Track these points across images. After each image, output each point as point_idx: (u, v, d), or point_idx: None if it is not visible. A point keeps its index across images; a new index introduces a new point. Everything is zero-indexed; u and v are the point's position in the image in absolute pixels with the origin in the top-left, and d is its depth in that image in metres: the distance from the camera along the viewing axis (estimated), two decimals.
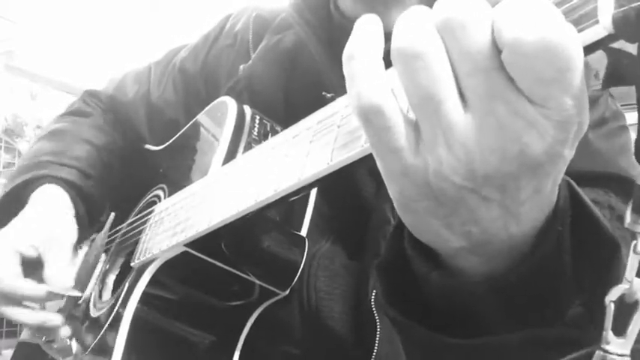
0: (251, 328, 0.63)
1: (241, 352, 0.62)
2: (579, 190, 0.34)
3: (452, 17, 0.25)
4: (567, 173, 0.30)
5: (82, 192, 0.78)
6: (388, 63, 0.28)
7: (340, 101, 0.39)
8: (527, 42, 0.23)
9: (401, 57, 0.27)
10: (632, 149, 0.56)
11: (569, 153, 0.27)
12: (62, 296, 0.67)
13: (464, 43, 0.25)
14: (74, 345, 0.69)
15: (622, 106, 0.59)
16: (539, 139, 0.25)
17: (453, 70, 0.26)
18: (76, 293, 0.67)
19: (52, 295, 0.66)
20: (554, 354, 0.32)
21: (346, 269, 0.63)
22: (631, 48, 0.25)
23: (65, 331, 0.68)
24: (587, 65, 0.49)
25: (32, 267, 0.68)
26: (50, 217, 0.72)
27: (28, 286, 0.65)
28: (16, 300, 0.66)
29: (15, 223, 0.71)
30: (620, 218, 0.52)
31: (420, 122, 0.28)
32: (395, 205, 0.32)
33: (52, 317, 0.67)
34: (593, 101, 0.56)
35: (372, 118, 0.28)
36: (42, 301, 0.67)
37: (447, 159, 0.27)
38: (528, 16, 0.23)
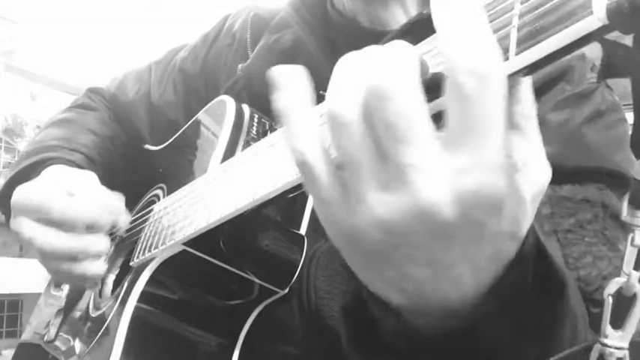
0: (250, 328, 0.63)
1: (240, 351, 0.62)
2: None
3: (381, 86, 0.25)
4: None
5: None
6: None
7: None
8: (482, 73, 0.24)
9: (330, 119, 0.28)
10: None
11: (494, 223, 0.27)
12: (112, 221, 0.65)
13: (389, 114, 0.25)
14: (75, 344, 0.69)
15: (623, 106, 0.58)
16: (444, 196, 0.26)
17: (376, 134, 0.26)
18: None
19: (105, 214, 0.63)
20: None
21: (346, 269, 0.63)
22: (626, 39, 0.25)
23: (101, 265, 0.64)
24: (584, 57, 0.49)
25: None
26: (69, 171, 0.70)
27: (80, 203, 0.61)
28: (65, 225, 0.62)
29: (39, 180, 0.67)
30: (614, 216, 0.51)
31: (345, 177, 0.28)
32: None
33: (96, 240, 0.63)
34: (588, 95, 0.55)
35: (302, 169, 0.29)
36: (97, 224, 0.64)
37: (367, 214, 0.27)
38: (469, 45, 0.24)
